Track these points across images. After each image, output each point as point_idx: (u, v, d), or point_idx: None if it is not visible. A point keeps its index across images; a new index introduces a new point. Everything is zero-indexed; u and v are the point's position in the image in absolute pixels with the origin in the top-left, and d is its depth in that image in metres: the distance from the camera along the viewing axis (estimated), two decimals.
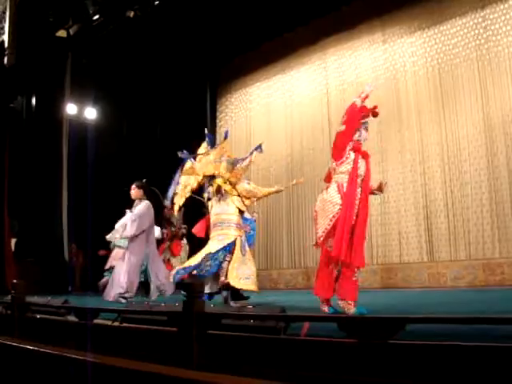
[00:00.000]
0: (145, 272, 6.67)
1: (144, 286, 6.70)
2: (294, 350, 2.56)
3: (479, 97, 8.84)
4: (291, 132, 11.75)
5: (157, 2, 9.94)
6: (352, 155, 4.24)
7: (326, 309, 4.07)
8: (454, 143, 9.06)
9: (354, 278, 4.03)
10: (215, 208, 6.06)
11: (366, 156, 4.34)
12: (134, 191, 7.08)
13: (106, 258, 12.03)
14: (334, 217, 4.07)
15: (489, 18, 8.86)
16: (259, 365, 2.64)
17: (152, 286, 6.60)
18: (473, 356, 2.05)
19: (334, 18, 10.87)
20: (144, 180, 7.20)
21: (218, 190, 6.04)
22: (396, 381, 2.16)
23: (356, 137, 4.34)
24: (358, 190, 4.16)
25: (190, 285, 2.93)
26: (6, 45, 9.42)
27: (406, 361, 2.17)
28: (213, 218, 6.01)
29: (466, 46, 9.11)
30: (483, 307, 4.59)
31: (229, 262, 5.70)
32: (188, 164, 6.39)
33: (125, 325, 3.64)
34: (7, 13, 9.50)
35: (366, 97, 4.58)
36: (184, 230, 9.64)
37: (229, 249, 5.76)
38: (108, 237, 7.40)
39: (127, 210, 6.99)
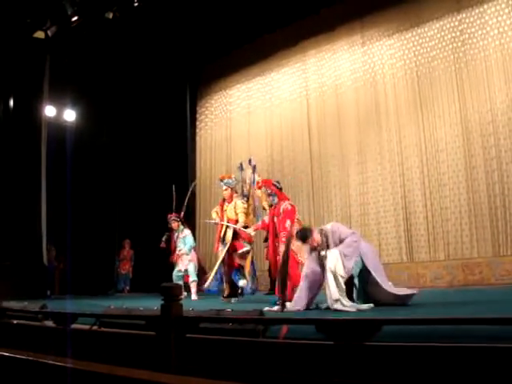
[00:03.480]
0: None
1: None
2: (273, 352, 2.56)
3: (456, 99, 8.96)
4: (271, 134, 11.78)
5: (136, 4, 9.88)
6: None
7: None
8: (433, 145, 9.17)
9: None
10: None
11: None
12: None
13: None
14: None
15: (465, 21, 8.98)
16: (238, 368, 2.64)
17: None
18: (449, 357, 2.08)
19: (314, 20, 10.94)
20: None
21: None
22: (373, 382, 2.17)
23: None
24: None
25: (167, 289, 2.91)
26: None
27: (383, 362, 2.18)
28: None
29: (443, 48, 9.23)
30: (462, 307, 4.65)
31: None
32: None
33: (103, 329, 3.61)
34: None
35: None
36: None
37: None
38: None
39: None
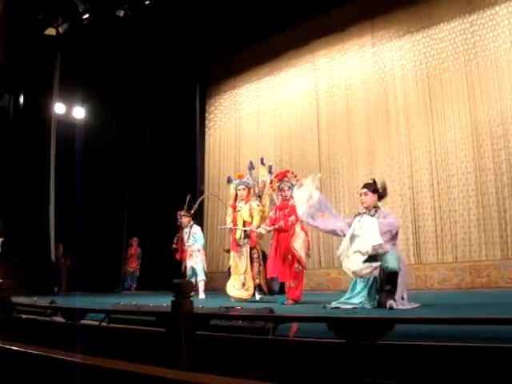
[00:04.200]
0: None
1: None
2: (283, 350, 2.56)
3: (467, 101, 8.92)
4: (280, 134, 11.77)
5: (147, 2, 9.91)
6: None
7: None
8: (442, 146, 9.13)
9: None
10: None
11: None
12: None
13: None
14: None
15: (476, 23, 8.95)
16: (248, 365, 2.64)
17: None
18: (460, 356, 2.07)
19: (324, 20, 10.92)
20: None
21: None
22: (384, 381, 2.17)
23: None
24: None
25: (178, 285, 2.92)
26: None
27: (395, 361, 2.18)
28: None
29: (453, 50, 9.19)
30: (472, 309, 4.63)
31: None
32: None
33: (112, 325, 3.61)
34: None
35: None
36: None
37: None
38: None
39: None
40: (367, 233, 4.71)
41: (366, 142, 10.15)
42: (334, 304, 4.90)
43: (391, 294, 4.53)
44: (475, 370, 2.03)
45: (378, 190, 5.13)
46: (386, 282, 4.60)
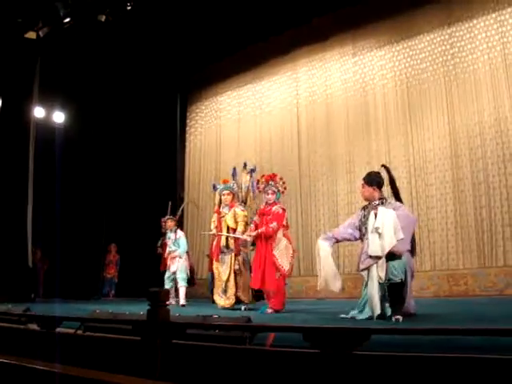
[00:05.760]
0: None
1: None
2: (259, 360, 2.55)
3: (445, 111, 9.05)
4: (261, 141, 11.79)
5: (129, 8, 9.86)
6: None
7: None
8: (421, 156, 9.24)
9: None
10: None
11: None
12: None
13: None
14: None
15: (455, 35, 9.11)
16: (224, 375, 2.62)
17: None
18: (436, 367, 2.08)
19: (306, 29, 11.01)
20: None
21: None
22: None
23: None
24: None
25: (154, 293, 2.89)
26: None
27: (371, 372, 2.18)
28: None
29: (433, 61, 9.33)
30: (448, 318, 4.66)
31: None
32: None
33: (88, 333, 3.57)
34: None
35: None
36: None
37: None
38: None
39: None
40: (384, 230, 4.36)
41: (345, 150, 10.22)
42: (350, 314, 4.71)
43: (400, 306, 4.35)
44: (451, 380, 2.04)
45: (374, 181, 4.85)
46: (391, 296, 4.38)
